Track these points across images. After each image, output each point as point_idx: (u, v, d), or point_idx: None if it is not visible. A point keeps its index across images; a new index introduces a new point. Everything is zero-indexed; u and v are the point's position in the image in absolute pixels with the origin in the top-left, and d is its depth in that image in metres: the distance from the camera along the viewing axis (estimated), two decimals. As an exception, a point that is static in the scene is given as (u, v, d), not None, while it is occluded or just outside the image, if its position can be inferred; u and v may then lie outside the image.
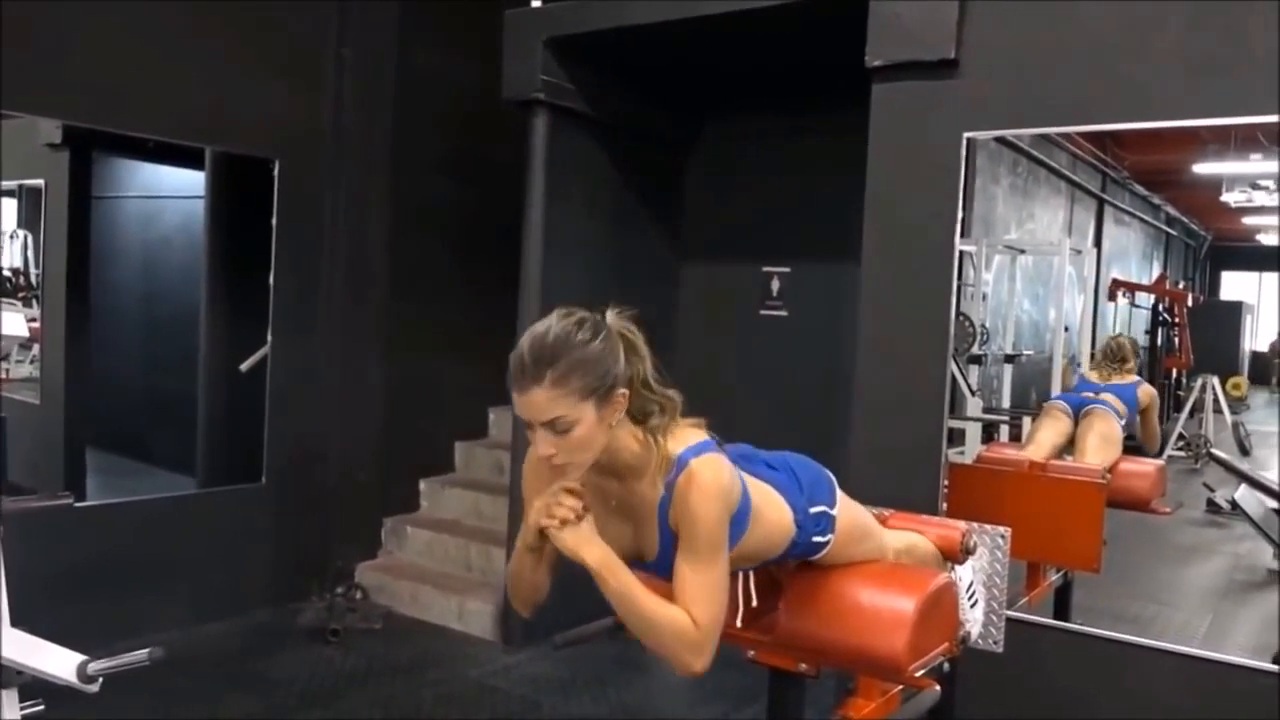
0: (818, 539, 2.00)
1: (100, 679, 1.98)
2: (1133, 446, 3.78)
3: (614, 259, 4.93)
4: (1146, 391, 3.86)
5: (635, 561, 1.80)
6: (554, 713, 3.87)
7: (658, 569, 1.77)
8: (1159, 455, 3.89)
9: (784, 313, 5.03)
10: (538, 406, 1.60)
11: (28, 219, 4.61)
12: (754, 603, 2.04)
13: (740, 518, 1.77)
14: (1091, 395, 3.84)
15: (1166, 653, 3.03)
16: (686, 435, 1.74)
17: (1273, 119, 2.81)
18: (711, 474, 1.69)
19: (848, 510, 2.09)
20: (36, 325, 4.56)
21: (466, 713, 3.86)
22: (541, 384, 1.59)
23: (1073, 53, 3.10)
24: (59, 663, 1.98)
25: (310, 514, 5.03)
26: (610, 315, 1.72)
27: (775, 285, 5.04)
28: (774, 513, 1.91)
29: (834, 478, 2.11)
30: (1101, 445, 3.63)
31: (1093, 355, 4.04)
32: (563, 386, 1.59)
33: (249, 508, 4.84)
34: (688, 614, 1.66)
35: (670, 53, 4.48)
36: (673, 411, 1.74)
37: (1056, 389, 4.08)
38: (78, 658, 1.98)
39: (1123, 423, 3.77)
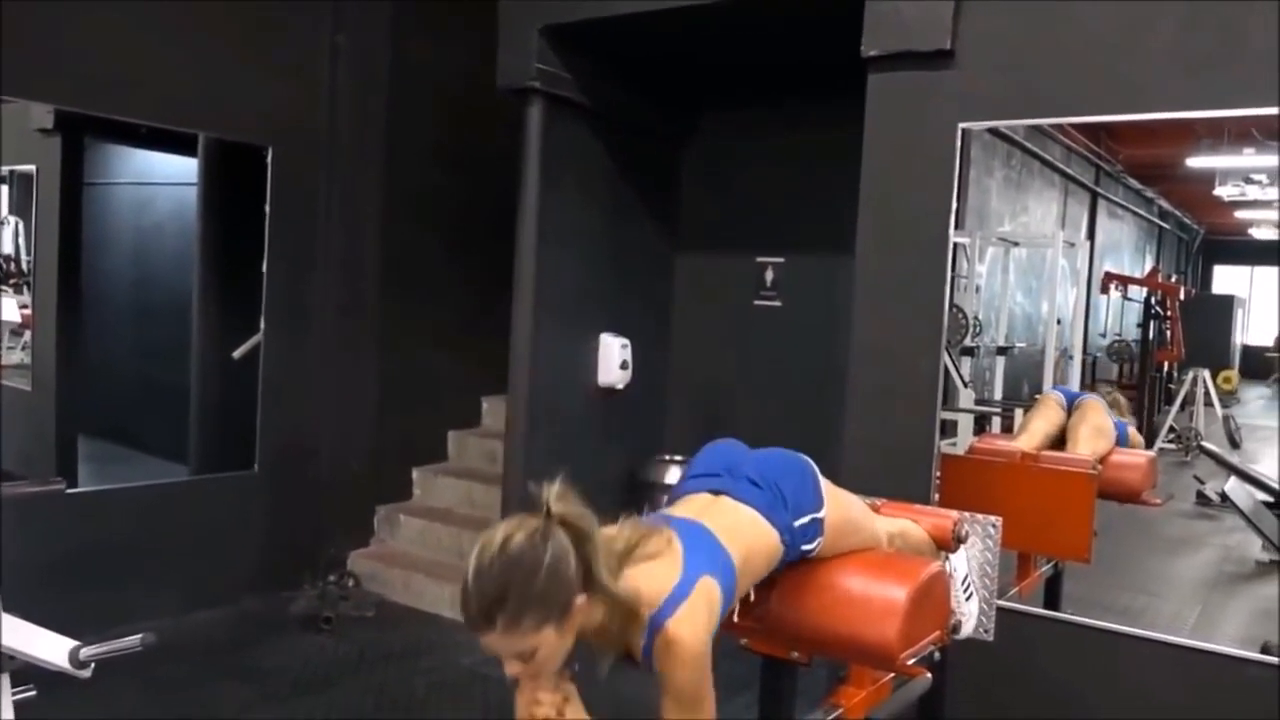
0: (805, 547, 1.99)
1: (92, 664, 1.98)
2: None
3: (608, 249, 4.93)
4: (1137, 437, 3.84)
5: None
6: (546, 701, 3.87)
7: None
8: (1149, 447, 3.91)
9: (778, 303, 5.03)
10: (496, 648, 1.56)
11: (19, 205, 4.58)
12: (751, 598, 2.04)
13: (723, 606, 1.72)
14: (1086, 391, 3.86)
15: (1156, 643, 3.05)
16: (655, 581, 1.66)
17: (1269, 110, 2.81)
18: (689, 637, 1.61)
19: (837, 508, 2.06)
20: (28, 312, 4.55)
21: (459, 700, 3.87)
22: (494, 630, 1.53)
23: (1068, 44, 3.10)
24: (51, 648, 1.97)
25: (303, 502, 5.03)
26: (555, 503, 1.61)
27: (769, 276, 5.04)
28: (759, 542, 1.89)
29: (818, 473, 2.07)
30: (1093, 436, 3.63)
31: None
32: (515, 628, 1.53)
33: (242, 495, 4.84)
34: None
35: (665, 43, 4.48)
36: (633, 605, 1.64)
37: (1049, 381, 4.08)
38: (70, 643, 1.97)
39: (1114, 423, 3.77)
